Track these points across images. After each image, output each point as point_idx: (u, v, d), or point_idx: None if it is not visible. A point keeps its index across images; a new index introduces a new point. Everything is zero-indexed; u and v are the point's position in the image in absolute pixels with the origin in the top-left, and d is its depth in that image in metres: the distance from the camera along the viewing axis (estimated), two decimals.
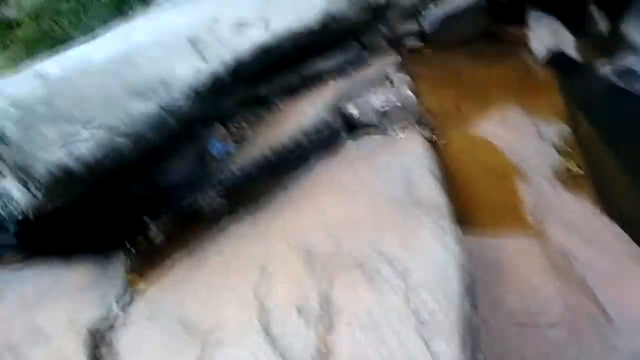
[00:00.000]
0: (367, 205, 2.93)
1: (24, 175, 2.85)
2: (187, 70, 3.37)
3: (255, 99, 4.12)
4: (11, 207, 3.27)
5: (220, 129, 3.83)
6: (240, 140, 3.86)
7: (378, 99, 3.80)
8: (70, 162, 2.84)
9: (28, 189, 2.88)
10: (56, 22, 5.80)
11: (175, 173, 3.44)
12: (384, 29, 4.81)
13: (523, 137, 3.78)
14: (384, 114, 3.72)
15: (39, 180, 2.81)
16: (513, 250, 3.01)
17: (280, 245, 2.87)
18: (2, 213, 3.36)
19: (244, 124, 4.00)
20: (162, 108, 3.14)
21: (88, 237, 3.17)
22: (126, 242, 3.15)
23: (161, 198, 3.37)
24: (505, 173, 3.50)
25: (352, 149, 3.60)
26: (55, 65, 3.48)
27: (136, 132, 3.02)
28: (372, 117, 3.71)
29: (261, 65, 3.94)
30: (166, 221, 3.27)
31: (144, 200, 3.34)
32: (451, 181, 3.26)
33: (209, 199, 3.39)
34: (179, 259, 3.04)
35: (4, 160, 3.03)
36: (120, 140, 2.96)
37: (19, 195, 3.00)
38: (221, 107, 3.76)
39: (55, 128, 2.88)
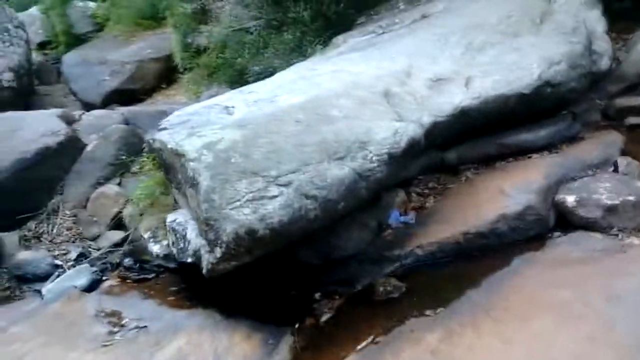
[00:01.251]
0: (607, 346, 2.10)
1: (206, 227, 2.45)
2: (384, 131, 2.80)
3: (442, 164, 3.47)
4: (182, 247, 2.94)
5: (401, 195, 3.22)
6: (420, 209, 3.22)
7: (604, 189, 2.93)
8: (256, 223, 2.39)
9: (207, 242, 2.48)
10: (238, 53, 5.68)
11: (348, 242, 2.89)
12: (599, 100, 3.92)
13: None
14: (610, 210, 2.85)
15: (222, 239, 2.39)
16: None
17: None
18: (173, 249, 3.06)
19: (426, 191, 3.35)
20: (357, 173, 2.59)
21: (254, 301, 2.72)
22: (294, 319, 2.62)
23: (331, 270, 2.82)
24: None
25: (566, 250, 2.77)
26: (242, 104, 3.13)
27: (326, 196, 2.51)
28: (595, 212, 2.85)
29: (457, 129, 3.29)
30: (336, 300, 2.70)
31: (311, 269, 2.81)
32: None
33: (384, 278, 2.76)
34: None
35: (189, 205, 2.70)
36: (308, 203, 2.46)
37: (196, 242, 2.64)
38: (408, 172, 3.16)
39: (247, 181, 2.46)
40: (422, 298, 2.62)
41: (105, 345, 2.75)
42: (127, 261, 3.73)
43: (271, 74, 4.51)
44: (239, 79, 5.50)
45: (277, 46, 5.28)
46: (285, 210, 2.41)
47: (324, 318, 2.59)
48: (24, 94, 5.65)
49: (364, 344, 2.38)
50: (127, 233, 4.38)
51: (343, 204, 2.56)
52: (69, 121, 5.01)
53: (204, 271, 2.52)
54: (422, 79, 3.42)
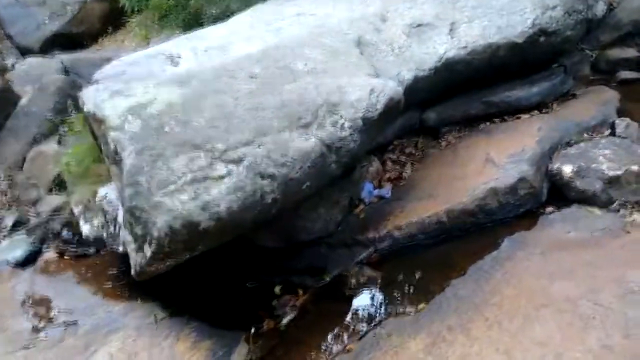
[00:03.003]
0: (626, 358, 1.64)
1: (131, 219, 1.80)
2: (358, 89, 2.15)
3: (420, 126, 2.87)
4: (112, 232, 2.31)
5: (375, 165, 2.63)
6: (396, 180, 2.65)
7: (604, 157, 2.41)
8: (197, 212, 1.75)
9: (133, 237, 1.83)
10: None
11: (314, 223, 2.30)
12: (589, 52, 3.34)
13: None
14: (611, 182, 2.34)
15: (152, 234, 1.75)
16: None
17: None
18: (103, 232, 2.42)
19: (403, 159, 2.77)
20: (326, 144, 1.96)
21: (202, 295, 2.14)
22: (249, 321, 2.03)
23: (294, 256, 2.24)
24: None
25: (562, 230, 2.26)
26: (190, 53, 2.41)
27: (287, 175, 1.88)
28: (595, 185, 2.34)
29: (440, 85, 2.67)
30: (299, 294, 2.13)
31: (271, 255, 2.23)
32: None
33: (357, 267, 2.21)
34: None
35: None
36: (265, 184, 1.83)
37: (123, 235, 2.00)
38: (383, 137, 2.55)
39: (185, 157, 1.78)
40: (401, 291, 2.08)
41: (27, 348, 2.16)
42: (66, 233, 3.07)
43: (221, 18, 3.77)
44: (193, 24, 4.68)
45: None
46: (235, 194, 1.78)
47: (285, 320, 2.03)
48: None
49: (333, 353, 1.85)
50: (65, 199, 3.71)
51: (308, 184, 1.96)
52: (0, 70, 4.15)
53: (132, 272, 1.91)
54: (399, 25, 2.74)
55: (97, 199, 2.43)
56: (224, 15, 4.29)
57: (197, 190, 1.74)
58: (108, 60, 4.53)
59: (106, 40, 5.26)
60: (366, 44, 2.54)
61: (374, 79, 2.25)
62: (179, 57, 2.41)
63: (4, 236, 3.40)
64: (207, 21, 4.42)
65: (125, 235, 1.94)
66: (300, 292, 2.13)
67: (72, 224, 3.03)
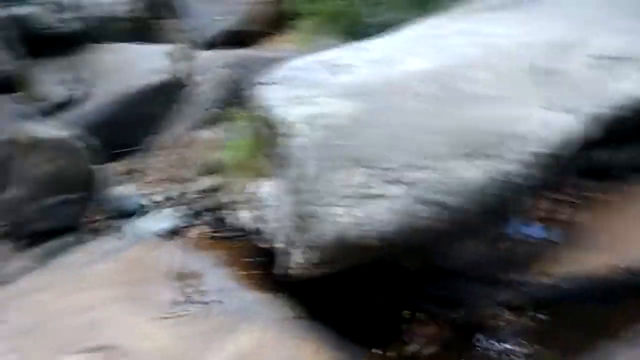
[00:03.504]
0: None
1: (300, 223, 1.89)
2: (531, 121, 1.98)
3: (595, 167, 2.56)
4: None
5: (530, 202, 2.40)
6: (553, 221, 2.39)
7: None
8: (363, 228, 1.77)
9: (298, 240, 1.90)
10: (352, 2, 4.90)
11: (457, 252, 2.17)
12: None
13: None
14: None
15: (318, 241, 1.82)
16: None
17: None
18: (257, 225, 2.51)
19: (565, 200, 2.49)
20: (492, 177, 1.84)
21: (330, 301, 2.14)
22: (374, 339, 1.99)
23: (430, 281, 2.14)
24: None
25: None
26: (356, 64, 2.43)
27: (447, 204, 1.81)
28: None
29: (628, 125, 2.35)
30: (430, 325, 2.02)
31: (405, 275, 2.15)
32: None
33: (495, 309, 2.04)
34: None
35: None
36: (425, 210, 1.77)
37: (284, 229, 2.08)
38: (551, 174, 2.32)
39: (358, 172, 1.82)
40: (541, 345, 1.86)
41: (166, 319, 2.33)
42: (214, 216, 3.31)
43: (385, 29, 3.78)
44: (352, 31, 4.79)
45: None
46: (402, 218, 1.77)
47: (411, 346, 1.94)
48: (144, 26, 5.35)
49: None
50: (218, 183, 4.01)
51: (466, 215, 1.85)
52: (181, 59, 4.62)
53: (290, 272, 1.97)
54: (582, 54, 2.48)
55: (253, 192, 2.56)
56: (382, 26, 4.33)
57: (369, 208, 1.75)
58: (271, 59, 4.87)
59: (269, 40, 5.61)
60: (542, 72, 2.34)
61: (549, 112, 2.06)
62: (346, 67, 2.45)
63: (156, 208, 3.80)
64: (364, 31, 4.50)
65: (283, 234, 2.02)
66: (431, 321, 2.02)
67: (220, 209, 3.24)
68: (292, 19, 5.43)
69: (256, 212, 2.62)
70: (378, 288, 2.21)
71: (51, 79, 4.24)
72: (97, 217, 3.77)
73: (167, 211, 3.72)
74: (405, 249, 1.83)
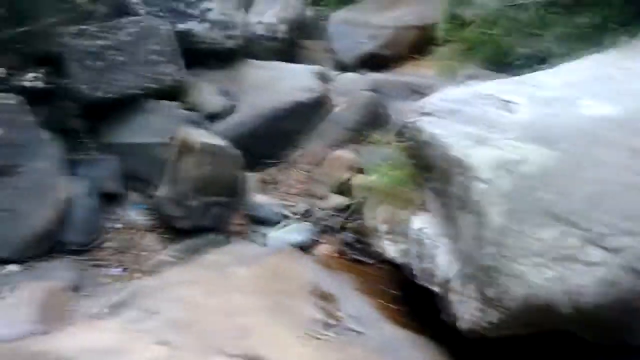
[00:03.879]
0: None
1: (484, 277, 1.77)
2: None
3: None
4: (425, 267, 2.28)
5: None
6: None
7: None
8: (558, 295, 1.60)
9: (479, 295, 1.79)
10: (507, 32, 4.67)
11: None
12: None
13: None
14: None
15: (503, 301, 1.69)
16: None
17: None
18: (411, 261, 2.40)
19: None
20: None
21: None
22: None
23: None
24: None
25: None
26: (526, 101, 2.28)
27: None
28: None
29: None
30: None
31: (584, 346, 1.93)
32: None
33: None
34: None
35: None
36: (635, 282, 1.56)
37: (446, 271, 1.98)
38: None
39: (556, 230, 1.64)
40: None
41: (318, 339, 2.32)
42: (348, 236, 3.33)
43: (542, 62, 3.53)
44: (499, 60, 4.57)
45: (561, 30, 4.12)
46: (603, 287, 1.57)
47: None
48: (290, 46, 5.63)
49: None
50: (351, 203, 4.03)
51: None
52: (324, 79, 4.78)
53: (459, 324, 1.87)
54: None
55: (411, 227, 2.47)
56: (537, 58, 4.06)
57: (564, 270, 1.58)
58: (410, 84, 4.85)
59: (408, 65, 5.59)
60: None
61: None
62: (515, 104, 2.31)
63: (295, 220, 3.91)
64: (517, 61, 4.26)
65: (442, 278, 1.93)
66: None
67: (358, 231, 3.24)
68: (434, 45, 5.35)
69: (403, 245, 2.54)
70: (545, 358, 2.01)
71: (207, 91, 4.63)
72: (240, 222, 4.00)
73: (302, 224, 3.83)
74: (598, 320, 1.62)
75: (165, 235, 3.85)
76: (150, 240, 3.85)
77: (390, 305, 2.50)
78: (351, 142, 4.32)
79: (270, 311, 2.42)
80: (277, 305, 2.46)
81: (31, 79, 3.99)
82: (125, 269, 3.54)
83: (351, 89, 4.70)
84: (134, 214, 4.01)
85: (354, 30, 5.93)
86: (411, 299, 2.43)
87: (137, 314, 2.53)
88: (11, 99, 3.58)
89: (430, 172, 2.32)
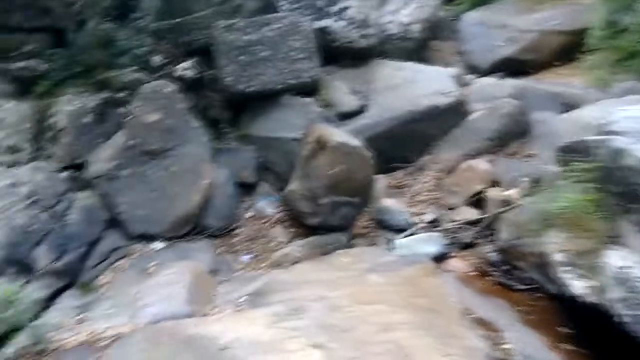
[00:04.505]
0: None
1: None
2: None
3: None
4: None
5: None
6: None
7: None
8: None
9: None
10: None
11: None
12: None
13: None
14: None
15: None
16: None
17: None
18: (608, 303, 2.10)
19: None
20: None
21: None
22: None
23: None
24: None
25: None
26: None
27: None
28: None
29: None
30: None
31: None
32: None
33: None
34: None
35: None
36: None
37: None
38: None
39: None
40: None
41: None
42: (494, 256, 3.10)
43: None
44: None
45: None
46: None
47: None
48: (422, 46, 5.43)
49: None
50: (484, 217, 3.78)
51: None
52: (461, 84, 4.53)
53: None
54: None
55: (604, 261, 2.16)
56: None
57: None
58: (557, 95, 4.43)
59: (549, 72, 5.14)
60: None
61: None
62: None
63: (423, 228, 3.75)
64: None
65: None
66: None
67: (505, 252, 3.00)
68: (581, 52, 4.87)
69: (593, 282, 2.21)
70: None
71: (341, 89, 4.59)
72: (366, 224, 3.94)
73: (431, 234, 3.65)
74: None
75: (292, 229, 3.91)
76: (278, 231, 3.93)
77: (567, 346, 2.23)
78: (487, 152, 4.05)
79: (425, 331, 2.28)
80: (430, 324, 2.32)
81: (183, 68, 4.24)
82: (254, 257, 3.64)
83: (490, 95, 4.41)
84: (265, 205, 4.12)
85: (489, 32, 5.57)
86: (594, 341, 2.16)
87: (282, 309, 2.54)
88: (168, 87, 3.79)
89: (631, 202, 2.04)
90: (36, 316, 2.37)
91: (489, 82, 4.76)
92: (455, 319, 2.39)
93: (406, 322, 2.28)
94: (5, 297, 2.19)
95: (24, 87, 3.80)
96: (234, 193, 3.94)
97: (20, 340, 2.32)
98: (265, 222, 3.97)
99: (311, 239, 3.71)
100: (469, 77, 4.73)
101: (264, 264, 3.60)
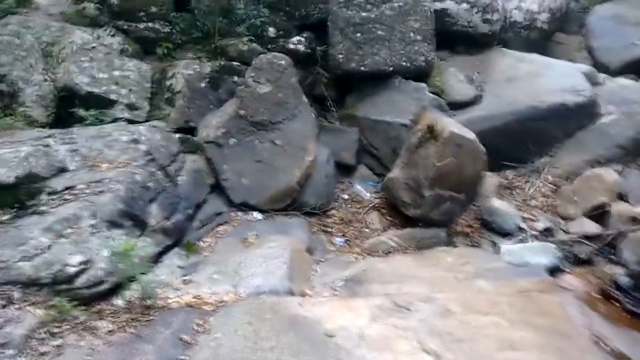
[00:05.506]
0: None
1: None
2: None
3: None
4: None
5: None
6: None
7: None
8: None
9: None
10: None
11: None
12: None
13: None
14: None
15: None
16: None
17: None
18: None
19: None
20: None
21: None
22: None
23: None
24: None
25: None
26: None
27: None
28: None
29: None
30: None
31: None
32: None
33: None
34: None
35: None
36: None
37: None
38: None
39: None
40: None
41: None
42: (624, 280, 2.72)
43: None
44: None
45: None
46: None
47: None
48: (545, 37, 4.93)
49: None
50: (607, 232, 3.34)
51: None
52: (592, 82, 4.04)
53: None
54: None
55: None
56: None
57: None
58: None
59: None
60: None
61: None
62: None
63: (534, 236, 3.40)
64: None
65: None
66: None
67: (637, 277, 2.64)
68: None
69: None
70: None
71: (456, 76, 4.27)
72: (471, 223, 3.66)
73: (545, 245, 3.29)
74: None
75: (389, 218, 3.70)
76: (373, 218, 3.74)
77: None
78: (617, 161, 3.59)
79: (554, 356, 2.01)
80: (559, 350, 2.04)
81: (296, 42, 4.12)
82: (347, 241, 3.49)
83: (624, 98, 3.90)
84: (362, 189, 3.95)
85: (623, 28, 4.94)
86: None
87: (387, 304, 2.38)
88: (283, 59, 3.69)
89: None
90: (146, 272, 2.39)
91: (624, 83, 4.21)
92: (587, 347, 2.09)
93: (530, 343, 2.03)
94: (125, 249, 2.21)
95: (146, 47, 3.88)
96: (333, 173, 3.80)
97: (130, 294, 2.34)
98: (361, 207, 3.80)
99: (408, 230, 3.49)
100: (602, 76, 4.20)
101: (357, 249, 3.44)
